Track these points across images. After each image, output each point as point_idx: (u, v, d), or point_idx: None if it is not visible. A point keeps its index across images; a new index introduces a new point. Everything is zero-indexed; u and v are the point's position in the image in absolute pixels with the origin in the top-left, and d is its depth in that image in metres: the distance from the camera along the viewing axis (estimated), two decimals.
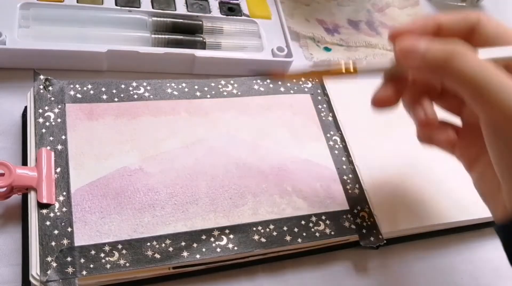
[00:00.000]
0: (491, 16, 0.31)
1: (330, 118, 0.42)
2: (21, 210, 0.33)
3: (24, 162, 0.35)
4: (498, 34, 0.30)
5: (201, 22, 0.45)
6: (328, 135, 0.41)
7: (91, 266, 0.30)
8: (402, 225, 0.37)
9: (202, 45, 0.44)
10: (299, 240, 0.34)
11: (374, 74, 0.32)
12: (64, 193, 0.32)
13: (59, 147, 0.34)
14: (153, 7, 0.45)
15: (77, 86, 0.37)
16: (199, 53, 0.43)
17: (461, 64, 0.27)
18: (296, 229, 0.35)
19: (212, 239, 0.33)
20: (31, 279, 0.29)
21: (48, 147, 0.34)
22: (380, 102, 0.32)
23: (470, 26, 0.31)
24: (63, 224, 0.31)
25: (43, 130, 0.34)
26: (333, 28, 0.53)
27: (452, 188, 0.41)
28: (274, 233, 0.34)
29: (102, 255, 0.30)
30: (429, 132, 0.33)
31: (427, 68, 0.29)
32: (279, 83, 0.34)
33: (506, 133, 0.26)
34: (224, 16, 0.47)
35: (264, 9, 0.49)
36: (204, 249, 0.32)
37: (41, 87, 0.36)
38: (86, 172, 0.33)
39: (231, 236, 0.33)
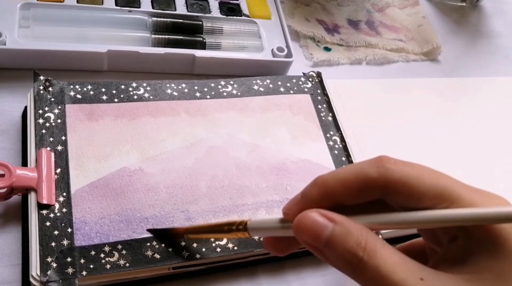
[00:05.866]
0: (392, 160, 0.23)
1: (329, 118, 0.42)
2: (21, 211, 0.33)
3: (24, 163, 0.35)
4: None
5: (201, 22, 0.45)
6: (328, 135, 0.41)
7: (91, 266, 0.30)
8: None
9: (202, 45, 0.44)
10: None
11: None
12: (64, 194, 0.32)
13: (59, 147, 0.34)
14: (153, 7, 0.45)
15: (77, 86, 0.37)
16: (199, 53, 0.43)
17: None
18: None
19: (212, 239, 0.33)
20: (31, 279, 0.29)
21: (48, 148, 0.34)
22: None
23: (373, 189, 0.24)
24: (63, 224, 0.31)
25: (43, 131, 0.34)
26: (333, 28, 0.54)
27: None
28: None
29: (102, 255, 0.30)
30: None
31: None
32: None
33: None
34: (224, 16, 0.47)
35: (264, 9, 0.49)
36: (204, 249, 0.32)
37: (41, 87, 0.36)
38: (86, 172, 0.34)
39: None
